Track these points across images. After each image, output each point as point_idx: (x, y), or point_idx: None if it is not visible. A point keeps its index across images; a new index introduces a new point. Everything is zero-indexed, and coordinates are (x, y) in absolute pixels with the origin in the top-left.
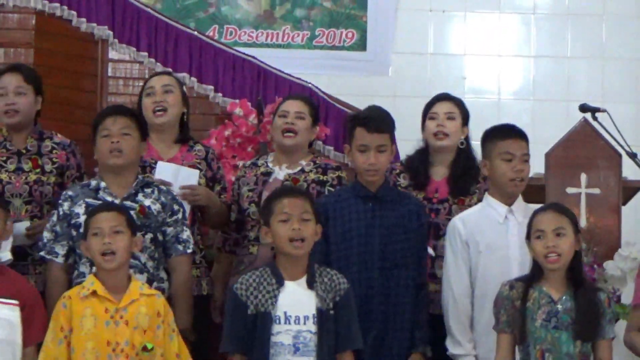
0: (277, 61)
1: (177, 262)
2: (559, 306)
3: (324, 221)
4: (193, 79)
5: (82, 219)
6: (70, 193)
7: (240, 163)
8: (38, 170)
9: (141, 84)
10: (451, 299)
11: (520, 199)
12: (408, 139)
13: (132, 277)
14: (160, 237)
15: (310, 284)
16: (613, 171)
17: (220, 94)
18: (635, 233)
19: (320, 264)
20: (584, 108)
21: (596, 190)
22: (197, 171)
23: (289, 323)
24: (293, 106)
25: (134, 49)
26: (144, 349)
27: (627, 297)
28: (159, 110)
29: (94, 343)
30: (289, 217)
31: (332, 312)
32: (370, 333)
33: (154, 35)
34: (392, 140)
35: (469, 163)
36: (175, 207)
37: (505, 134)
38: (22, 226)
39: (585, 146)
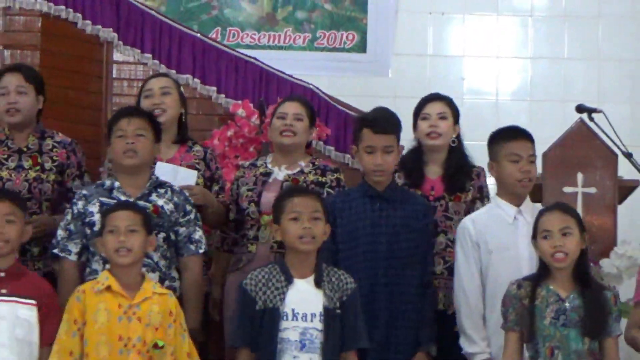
0: (279, 63)
1: (189, 262)
2: (567, 304)
3: (332, 220)
4: (196, 80)
5: (96, 217)
6: (84, 192)
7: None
8: (38, 168)
9: None
10: (464, 298)
11: (528, 199)
12: (408, 139)
13: (146, 275)
14: (172, 237)
15: (318, 283)
16: (609, 171)
17: (223, 95)
18: (630, 232)
19: (328, 264)
20: (580, 108)
21: (592, 190)
22: (195, 172)
23: (297, 320)
24: (291, 108)
25: (138, 50)
26: (155, 346)
27: (623, 295)
28: (157, 112)
29: (106, 337)
30: (300, 216)
31: (338, 311)
32: (376, 331)
33: (158, 37)
34: (399, 141)
35: (462, 161)
36: (188, 207)
37: (512, 135)
38: None
39: (582, 146)
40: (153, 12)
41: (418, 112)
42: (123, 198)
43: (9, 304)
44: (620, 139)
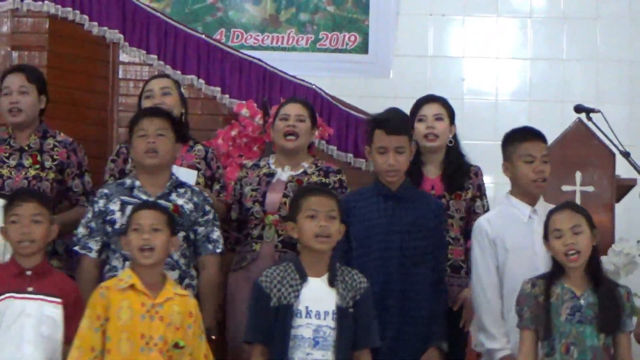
0: (282, 63)
1: (207, 261)
2: (582, 301)
3: (345, 219)
4: (201, 80)
5: (117, 215)
6: (105, 191)
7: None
8: (37, 166)
9: None
10: (483, 296)
11: (542, 199)
12: None
13: (167, 276)
14: (191, 236)
15: (332, 282)
16: (607, 170)
17: (227, 95)
18: (628, 229)
19: (341, 262)
20: (578, 109)
21: (590, 188)
22: (195, 171)
23: (310, 317)
24: (294, 109)
25: (144, 51)
26: (176, 346)
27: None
28: None
29: (128, 334)
30: (316, 214)
31: (351, 310)
32: (387, 328)
33: (163, 38)
34: (411, 141)
35: (459, 160)
36: (207, 207)
37: (526, 136)
38: None
39: (580, 145)
40: (158, 14)
41: (414, 114)
42: (144, 197)
43: (36, 302)
44: (618, 139)
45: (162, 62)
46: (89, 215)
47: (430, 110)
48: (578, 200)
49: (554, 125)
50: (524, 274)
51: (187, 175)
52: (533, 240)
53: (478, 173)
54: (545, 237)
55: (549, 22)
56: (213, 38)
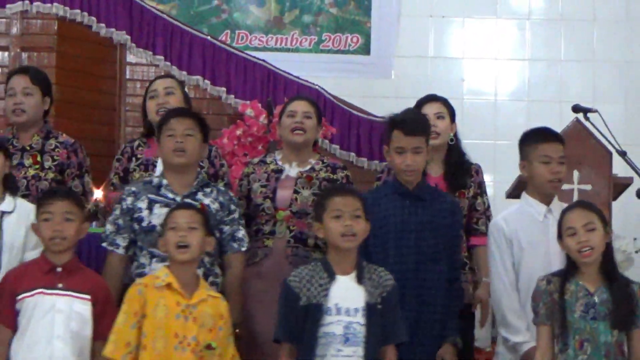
0: (286, 64)
1: (232, 259)
2: (596, 298)
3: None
4: (206, 81)
5: (144, 213)
6: (133, 189)
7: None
8: (37, 166)
9: None
10: (504, 291)
11: (556, 198)
12: None
13: (200, 277)
14: (217, 235)
15: (360, 279)
16: (604, 168)
17: (232, 96)
18: (624, 227)
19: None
20: (576, 108)
21: (588, 187)
22: None
23: (340, 314)
24: (300, 106)
25: (151, 53)
26: (208, 347)
27: None
28: (162, 112)
29: (163, 332)
30: (342, 214)
31: (379, 306)
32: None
33: (170, 40)
34: (427, 141)
35: (461, 158)
36: (232, 206)
37: (544, 137)
38: None
39: (578, 145)
40: (165, 16)
41: None
42: (170, 195)
43: (66, 298)
44: (615, 138)
45: (168, 63)
46: (117, 212)
47: (431, 109)
48: (576, 199)
49: (552, 125)
50: (538, 271)
51: None
52: (548, 238)
53: (479, 171)
54: (559, 235)
55: (547, 24)
56: (218, 39)
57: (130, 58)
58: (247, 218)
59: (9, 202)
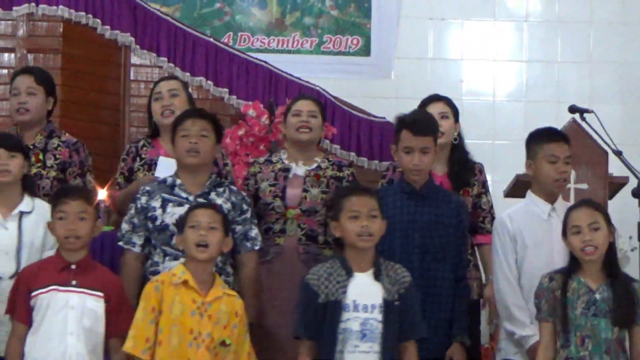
0: (287, 66)
1: (246, 258)
2: (597, 295)
3: None
4: (209, 82)
5: (158, 212)
6: (147, 188)
7: (252, 160)
8: (39, 164)
9: None
10: (509, 287)
11: (561, 197)
12: None
13: (216, 275)
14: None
15: (377, 276)
16: (600, 168)
17: (234, 97)
18: (620, 225)
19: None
20: (573, 109)
21: (584, 186)
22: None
23: (358, 311)
24: (306, 105)
25: (155, 54)
26: (223, 343)
27: None
28: (167, 114)
29: (178, 328)
30: (358, 214)
31: (397, 303)
32: None
33: (173, 41)
34: (435, 142)
35: (464, 157)
36: (245, 206)
37: (551, 137)
38: None
39: (574, 144)
40: (168, 18)
41: None
42: (184, 195)
43: (79, 295)
44: (611, 138)
45: (172, 65)
46: (132, 211)
47: (435, 109)
48: (572, 198)
49: (549, 125)
50: (541, 269)
51: (174, 166)
52: (551, 237)
53: (482, 170)
54: (564, 233)
55: (544, 26)
56: (221, 41)
57: (135, 59)
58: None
59: (27, 203)
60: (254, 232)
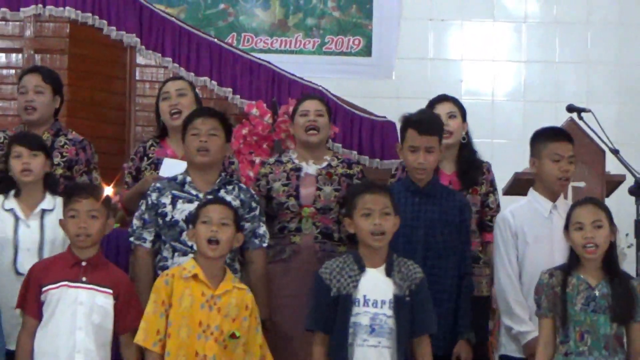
0: (290, 66)
1: (254, 255)
2: (597, 292)
3: None
4: (213, 82)
5: (168, 208)
6: (158, 185)
7: (258, 159)
8: None
9: None
10: (510, 283)
11: (562, 196)
12: None
13: (227, 270)
14: None
15: (389, 272)
16: (597, 166)
17: (238, 96)
18: (617, 223)
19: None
20: (570, 108)
21: (582, 184)
22: (185, 162)
23: (368, 305)
24: (312, 105)
25: (160, 55)
26: (232, 336)
27: None
28: (175, 113)
29: (187, 321)
30: (371, 212)
31: (408, 298)
32: None
33: (178, 42)
34: (440, 141)
35: (472, 156)
36: (253, 204)
37: (556, 136)
38: None
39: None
40: (173, 19)
41: None
42: (194, 192)
43: (88, 291)
44: (608, 137)
45: (176, 65)
46: (143, 207)
47: (443, 108)
48: (570, 196)
49: (547, 124)
50: (542, 265)
51: (178, 167)
52: (552, 234)
53: (489, 169)
54: (566, 228)
55: (542, 27)
56: (225, 42)
57: (140, 60)
58: (266, 217)
59: (49, 201)
60: (262, 229)
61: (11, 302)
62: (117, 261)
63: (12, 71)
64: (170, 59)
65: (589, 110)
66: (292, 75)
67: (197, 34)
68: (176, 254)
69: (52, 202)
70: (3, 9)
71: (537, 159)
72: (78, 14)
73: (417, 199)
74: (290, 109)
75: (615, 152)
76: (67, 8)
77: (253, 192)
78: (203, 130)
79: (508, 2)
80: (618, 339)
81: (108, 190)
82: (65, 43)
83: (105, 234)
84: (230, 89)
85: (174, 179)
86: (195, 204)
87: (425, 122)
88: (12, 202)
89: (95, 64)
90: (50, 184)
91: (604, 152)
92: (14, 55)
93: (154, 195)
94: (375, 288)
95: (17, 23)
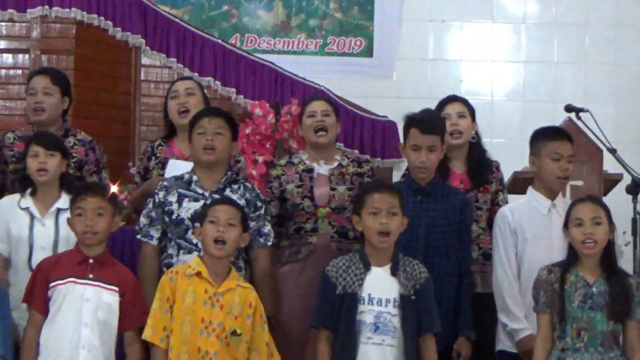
0: (292, 66)
1: (259, 254)
2: (594, 289)
3: None
4: (217, 82)
5: (174, 207)
6: (165, 184)
7: (261, 158)
8: None
9: None
10: (506, 280)
11: (560, 194)
12: None
13: (232, 268)
14: None
15: (394, 272)
16: (595, 165)
17: (241, 96)
18: (614, 221)
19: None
20: (568, 108)
21: (580, 182)
22: (191, 163)
23: (372, 304)
24: (319, 106)
25: (164, 55)
26: (234, 333)
27: None
28: (183, 112)
29: (190, 317)
30: (378, 211)
31: (413, 297)
32: None
33: (182, 43)
34: (442, 141)
35: (482, 155)
36: (259, 203)
37: (556, 136)
38: None
39: None
40: (177, 20)
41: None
42: (200, 191)
43: (95, 288)
44: (605, 136)
45: (181, 65)
46: (150, 205)
47: (453, 109)
48: (568, 194)
49: (545, 124)
50: (540, 263)
51: (183, 168)
52: (551, 231)
53: (499, 167)
54: (566, 224)
55: (541, 28)
56: (228, 43)
57: (145, 60)
58: (281, 218)
59: (65, 200)
60: (267, 228)
61: None
62: (123, 259)
63: (19, 71)
64: (174, 60)
65: (587, 110)
66: (295, 75)
67: (201, 35)
68: (181, 251)
69: (68, 202)
70: (10, 10)
71: (536, 158)
72: (84, 15)
73: (419, 197)
74: (293, 108)
75: (612, 151)
76: (73, 9)
77: (258, 191)
78: (209, 129)
79: (507, 3)
80: (614, 336)
81: (113, 188)
82: (71, 44)
83: (112, 232)
84: (233, 89)
85: (181, 177)
86: (201, 202)
87: (427, 121)
88: (28, 201)
89: (100, 65)
90: (66, 184)
91: (601, 151)
92: (20, 55)
93: (161, 194)
94: (380, 287)
95: (24, 24)
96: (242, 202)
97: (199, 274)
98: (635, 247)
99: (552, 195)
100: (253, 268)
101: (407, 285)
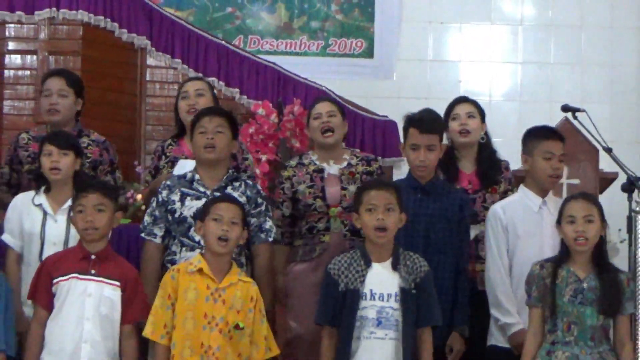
0: (294, 67)
1: (260, 249)
2: (585, 284)
3: None
4: (221, 83)
5: (177, 205)
6: (168, 183)
7: (264, 157)
8: None
9: (176, 87)
10: (499, 276)
11: (551, 192)
12: None
13: (233, 264)
14: None
15: (395, 266)
16: (591, 164)
17: (244, 96)
18: (610, 219)
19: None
20: (565, 108)
21: (576, 181)
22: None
23: (374, 299)
24: (324, 107)
25: (169, 56)
26: (237, 327)
27: None
28: (192, 112)
29: (193, 313)
30: (375, 208)
31: (414, 291)
32: None
33: (187, 44)
34: (441, 140)
35: (491, 156)
36: (259, 200)
37: (548, 135)
38: None
39: (567, 142)
40: (182, 22)
41: (448, 114)
42: (202, 189)
43: (97, 283)
44: (601, 136)
45: (185, 66)
46: (154, 204)
47: (462, 109)
48: (564, 192)
49: (542, 123)
50: (531, 259)
51: (191, 167)
52: (542, 228)
53: (508, 167)
54: (558, 221)
55: (538, 29)
56: (232, 44)
57: (150, 61)
58: (291, 219)
59: None
60: (269, 224)
61: None
62: (130, 256)
63: (27, 72)
64: (179, 61)
65: (583, 110)
66: (297, 76)
67: (206, 37)
68: (184, 248)
69: None
70: (19, 12)
71: (529, 156)
72: (91, 17)
73: (419, 195)
74: (295, 108)
75: (608, 150)
76: (80, 11)
77: (260, 188)
78: (210, 127)
79: (505, 5)
80: (604, 331)
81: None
82: (78, 45)
83: (113, 227)
84: (237, 90)
85: (184, 176)
86: (203, 200)
87: (426, 121)
88: (41, 198)
89: (107, 66)
90: (79, 182)
91: (597, 150)
92: (29, 56)
93: (164, 193)
94: (382, 282)
95: (32, 26)
96: (243, 199)
97: (200, 270)
98: (630, 245)
99: (543, 193)
100: (254, 263)
101: (408, 279)
